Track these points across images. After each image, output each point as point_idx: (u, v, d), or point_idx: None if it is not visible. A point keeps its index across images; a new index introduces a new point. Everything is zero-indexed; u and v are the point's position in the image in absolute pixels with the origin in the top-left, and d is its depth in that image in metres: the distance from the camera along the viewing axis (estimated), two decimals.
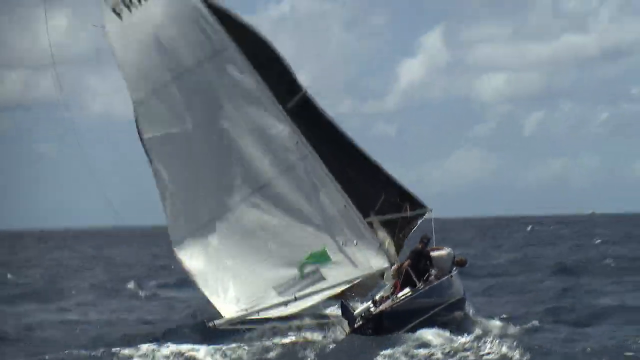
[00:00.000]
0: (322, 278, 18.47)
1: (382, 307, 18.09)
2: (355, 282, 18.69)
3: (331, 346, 17.34)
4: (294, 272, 18.36)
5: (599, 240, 54.18)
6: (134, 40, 17.58)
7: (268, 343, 17.58)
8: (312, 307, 18.92)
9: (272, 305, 18.58)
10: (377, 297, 18.99)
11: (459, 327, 18.27)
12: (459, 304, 19.43)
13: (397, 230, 19.15)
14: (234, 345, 17.50)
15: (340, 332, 18.06)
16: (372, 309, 18.28)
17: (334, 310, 19.16)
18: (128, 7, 17.18)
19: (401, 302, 18.10)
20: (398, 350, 16.16)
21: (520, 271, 34.68)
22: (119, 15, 17.36)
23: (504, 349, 15.94)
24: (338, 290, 18.68)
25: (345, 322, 18.00)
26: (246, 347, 17.28)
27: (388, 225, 19.19)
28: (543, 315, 21.06)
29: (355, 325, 17.71)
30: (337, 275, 18.43)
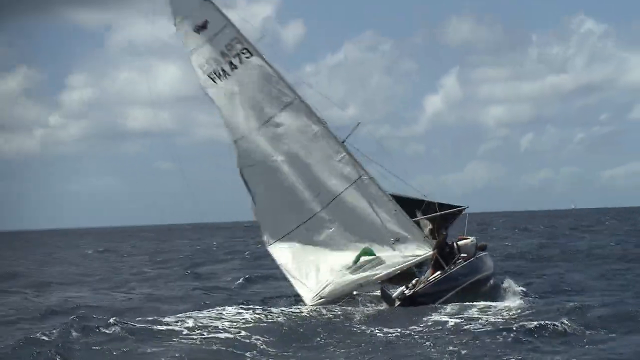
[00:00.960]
0: (380, 263, 21.43)
1: (413, 290, 20.46)
2: (404, 268, 21.50)
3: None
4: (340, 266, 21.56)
5: None
6: (228, 98, 21.46)
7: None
8: (367, 286, 21.86)
9: (347, 286, 21.52)
10: (413, 282, 21.20)
11: (490, 297, 20.56)
12: (484, 280, 21.77)
13: (438, 226, 22.26)
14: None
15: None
16: (406, 292, 20.63)
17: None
18: (219, 77, 21.17)
19: (426, 286, 20.54)
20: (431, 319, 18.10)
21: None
22: (213, 80, 21.29)
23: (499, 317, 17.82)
24: (390, 273, 21.53)
25: (385, 304, 20.56)
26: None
27: (432, 222, 22.32)
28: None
29: (395, 304, 20.21)
30: (390, 262, 21.44)
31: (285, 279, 22.08)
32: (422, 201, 22.43)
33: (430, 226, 22.25)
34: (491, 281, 22.14)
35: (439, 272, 20.85)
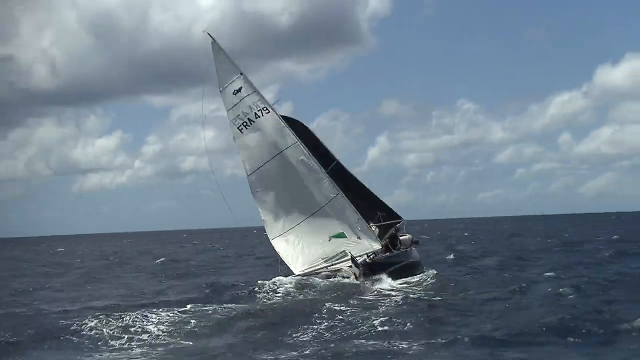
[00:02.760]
0: (345, 255, 28.00)
1: (371, 259, 27.37)
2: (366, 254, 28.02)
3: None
4: (332, 250, 28.49)
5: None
6: (248, 142, 28.60)
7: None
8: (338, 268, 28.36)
9: (321, 267, 28.73)
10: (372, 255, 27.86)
11: (413, 275, 27.10)
12: (415, 264, 28.43)
13: (385, 229, 29.37)
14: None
15: (350, 277, 26.75)
16: (367, 260, 27.32)
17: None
18: (245, 127, 28.45)
19: (381, 258, 27.30)
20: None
21: None
22: (240, 130, 28.57)
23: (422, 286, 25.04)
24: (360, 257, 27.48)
25: (355, 267, 26.57)
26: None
27: (380, 227, 29.48)
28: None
29: (360, 268, 26.33)
30: (353, 252, 27.66)
31: (282, 262, 29.26)
32: (376, 204, 29.87)
33: (377, 230, 29.34)
34: (418, 263, 28.92)
35: (387, 254, 27.88)
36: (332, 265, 29.06)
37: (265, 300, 24.11)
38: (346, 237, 28.68)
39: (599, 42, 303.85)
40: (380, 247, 28.55)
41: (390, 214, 30.29)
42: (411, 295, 23.25)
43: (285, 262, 29.27)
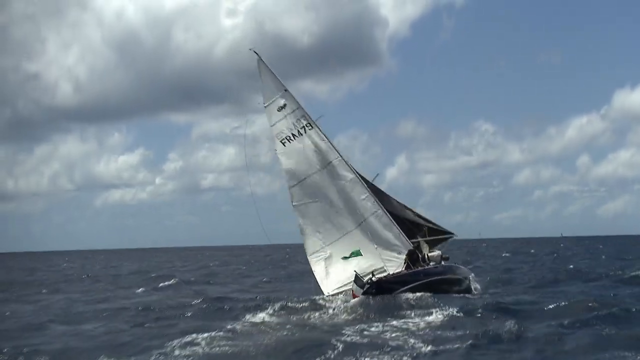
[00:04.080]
0: (384, 271, 27.73)
1: (377, 278, 25.99)
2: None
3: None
4: (370, 266, 27.67)
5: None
6: (291, 155, 28.94)
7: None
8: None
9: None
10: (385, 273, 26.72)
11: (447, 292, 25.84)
12: (442, 281, 26.82)
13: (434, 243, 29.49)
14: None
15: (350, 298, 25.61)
16: (373, 279, 25.94)
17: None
18: (288, 141, 28.87)
19: (388, 277, 26.21)
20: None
21: None
22: (284, 144, 28.98)
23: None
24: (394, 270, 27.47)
25: (357, 286, 25.74)
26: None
27: (429, 242, 29.49)
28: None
29: (365, 288, 25.44)
30: (390, 269, 27.80)
31: (316, 280, 29.26)
32: (420, 225, 29.83)
33: (426, 245, 29.39)
34: (447, 280, 27.37)
35: (404, 271, 26.96)
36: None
37: None
38: (362, 255, 28.58)
39: (618, 65, 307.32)
40: (424, 254, 28.60)
41: (438, 230, 30.26)
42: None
43: (318, 280, 29.11)
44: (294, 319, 22.72)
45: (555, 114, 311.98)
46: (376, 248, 28.62)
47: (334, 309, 24.24)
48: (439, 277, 27.25)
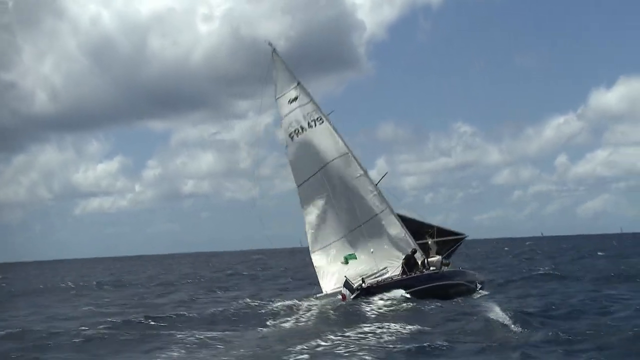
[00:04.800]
0: (387, 272, 27.54)
1: (367, 283, 25.84)
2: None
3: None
4: (372, 267, 27.43)
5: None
6: (299, 150, 28.35)
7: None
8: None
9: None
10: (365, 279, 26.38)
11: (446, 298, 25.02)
12: (439, 287, 26.09)
13: (439, 248, 28.71)
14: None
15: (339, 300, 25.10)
16: (362, 285, 25.79)
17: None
18: (297, 135, 28.36)
19: (378, 284, 25.92)
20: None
21: None
22: (292, 138, 28.45)
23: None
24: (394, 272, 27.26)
25: (347, 290, 25.44)
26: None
27: (438, 244, 28.81)
28: None
29: (356, 293, 25.15)
30: (393, 270, 27.51)
31: (316, 276, 28.65)
32: (429, 225, 29.17)
33: (436, 247, 28.70)
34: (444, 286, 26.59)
35: (397, 276, 26.75)
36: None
37: None
38: (356, 259, 28.17)
39: (593, 65, 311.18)
40: (424, 258, 27.92)
41: (448, 232, 29.73)
42: None
43: (319, 277, 28.54)
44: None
45: (532, 115, 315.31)
46: (385, 247, 28.29)
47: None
48: (428, 286, 26.42)
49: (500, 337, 17.21)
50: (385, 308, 23.66)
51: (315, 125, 28.85)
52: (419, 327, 19.08)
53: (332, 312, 23.65)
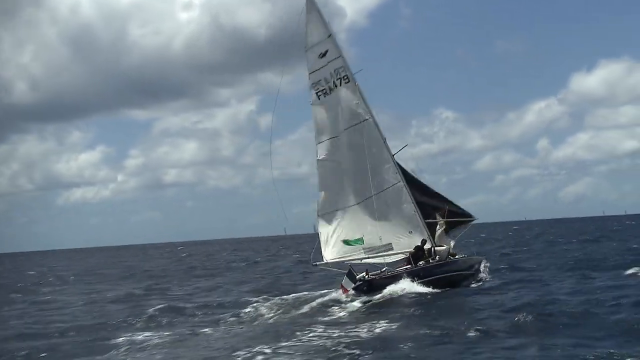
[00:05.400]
0: (391, 249, 27.08)
1: (370, 276, 25.17)
2: (407, 254, 26.71)
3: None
4: (376, 241, 26.88)
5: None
6: (323, 110, 27.22)
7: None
8: (375, 262, 27.09)
9: (356, 257, 27.17)
10: (381, 271, 26.12)
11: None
12: (443, 280, 25.53)
13: (447, 227, 27.77)
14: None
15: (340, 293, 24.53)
16: (366, 277, 25.12)
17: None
18: (324, 94, 27.04)
19: (380, 277, 25.11)
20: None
21: None
22: (318, 97, 27.17)
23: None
24: (395, 257, 27.09)
25: (349, 281, 24.78)
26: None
27: (448, 223, 27.69)
28: None
29: (356, 284, 24.48)
30: (398, 249, 27.04)
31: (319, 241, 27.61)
32: (441, 202, 28.11)
33: (444, 226, 27.83)
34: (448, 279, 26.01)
35: (404, 267, 26.10)
36: (369, 257, 27.62)
37: None
38: (363, 244, 27.32)
39: (574, 49, 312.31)
40: (412, 250, 27.03)
41: (458, 212, 28.66)
42: None
43: (322, 243, 27.69)
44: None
45: (514, 100, 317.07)
46: (393, 222, 27.46)
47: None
48: (430, 278, 25.67)
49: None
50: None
51: (342, 84, 27.49)
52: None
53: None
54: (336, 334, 17.63)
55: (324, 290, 27.17)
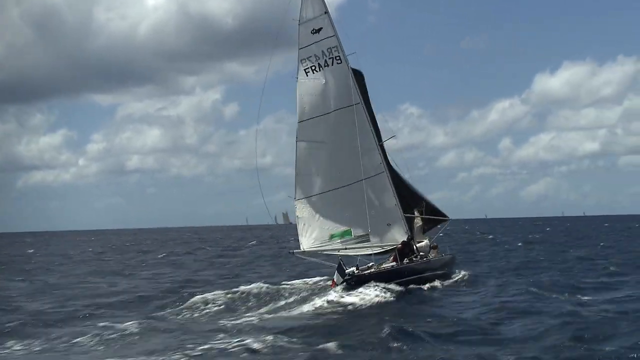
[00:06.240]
0: (367, 240, 26.30)
1: (360, 272, 24.50)
2: (386, 248, 26.51)
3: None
4: (352, 231, 26.16)
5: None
6: (310, 88, 26.15)
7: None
8: (353, 255, 26.38)
9: (333, 247, 26.46)
10: (368, 265, 25.59)
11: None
12: (430, 278, 25.30)
13: (424, 224, 27.68)
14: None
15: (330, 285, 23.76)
16: (355, 272, 24.49)
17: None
18: (312, 71, 26.05)
19: (369, 273, 24.52)
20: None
21: None
22: (306, 73, 26.15)
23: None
24: (374, 250, 26.52)
25: (339, 275, 23.79)
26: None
27: (425, 220, 27.53)
28: None
29: (345, 278, 23.61)
30: (375, 241, 26.37)
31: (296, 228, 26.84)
32: (419, 198, 27.83)
33: (420, 223, 27.65)
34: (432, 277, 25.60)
35: (392, 264, 25.51)
36: (347, 249, 26.66)
37: None
38: (351, 236, 26.44)
39: (538, 50, 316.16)
40: (398, 245, 26.33)
41: (435, 211, 28.31)
42: None
43: (299, 230, 26.83)
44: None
45: (478, 98, 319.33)
46: (373, 213, 26.42)
47: None
48: (420, 276, 25.17)
49: None
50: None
51: (333, 64, 26.50)
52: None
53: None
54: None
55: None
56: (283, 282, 27.00)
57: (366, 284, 23.16)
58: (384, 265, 25.86)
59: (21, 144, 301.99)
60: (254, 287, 24.59)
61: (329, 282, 24.75)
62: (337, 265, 24.24)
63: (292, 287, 25.36)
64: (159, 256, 55.18)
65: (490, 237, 76.62)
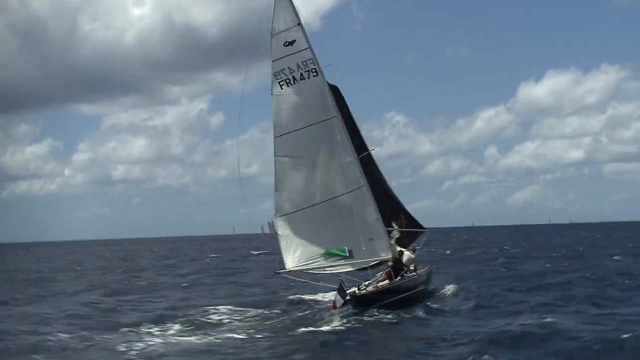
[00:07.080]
0: (351, 257, 25.75)
1: (362, 292, 24.38)
2: (371, 263, 25.98)
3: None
4: (335, 247, 25.63)
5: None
6: (285, 102, 25.53)
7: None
8: (339, 273, 25.68)
9: (318, 266, 25.97)
10: (364, 284, 25.35)
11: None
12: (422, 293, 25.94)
13: (406, 238, 27.32)
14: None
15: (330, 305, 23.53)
16: (356, 292, 24.36)
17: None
18: (287, 84, 25.40)
19: (371, 292, 24.21)
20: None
21: None
22: (281, 87, 25.46)
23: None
24: (359, 267, 26.02)
25: (339, 296, 23.27)
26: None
27: (403, 233, 27.18)
28: None
29: (346, 299, 23.28)
30: (359, 258, 25.77)
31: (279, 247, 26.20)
32: (399, 208, 27.66)
33: (398, 235, 27.14)
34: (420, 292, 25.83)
35: (387, 282, 25.12)
36: (332, 267, 26.16)
37: None
38: (346, 255, 25.98)
39: (523, 59, 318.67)
40: (391, 257, 26.12)
41: (413, 223, 28.00)
42: None
43: (282, 248, 26.29)
44: None
45: (464, 107, 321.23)
46: (355, 228, 25.84)
47: None
48: (416, 291, 25.46)
49: None
50: None
51: (309, 76, 25.90)
52: None
53: None
54: None
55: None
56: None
57: (368, 306, 23.16)
58: (381, 284, 25.41)
59: (6, 153, 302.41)
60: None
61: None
62: (337, 287, 23.73)
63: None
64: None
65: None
